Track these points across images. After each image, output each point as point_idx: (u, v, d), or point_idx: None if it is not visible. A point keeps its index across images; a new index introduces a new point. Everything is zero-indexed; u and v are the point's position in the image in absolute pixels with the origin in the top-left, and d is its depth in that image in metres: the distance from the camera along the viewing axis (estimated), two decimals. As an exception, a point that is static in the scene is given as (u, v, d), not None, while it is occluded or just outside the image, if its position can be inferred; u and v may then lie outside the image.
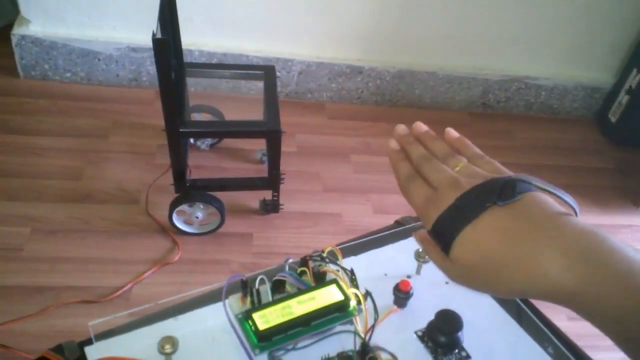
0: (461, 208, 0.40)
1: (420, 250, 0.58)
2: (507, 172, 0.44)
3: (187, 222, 1.39)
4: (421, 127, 0.51)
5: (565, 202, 0.40)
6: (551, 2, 1.79)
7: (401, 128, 0.50)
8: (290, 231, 1.46)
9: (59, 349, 0.49)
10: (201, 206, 1.36)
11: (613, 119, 1.95)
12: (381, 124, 1.86)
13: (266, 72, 1.46)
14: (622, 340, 0.35)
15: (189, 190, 1.34)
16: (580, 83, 1.98)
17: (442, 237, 0.41)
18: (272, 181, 1.39)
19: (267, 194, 1.45)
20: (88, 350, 0.49)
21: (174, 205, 1.34)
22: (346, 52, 1.82)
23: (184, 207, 1.35)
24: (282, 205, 1.46)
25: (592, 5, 1.81)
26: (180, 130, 1.24)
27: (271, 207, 1.46)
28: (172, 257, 1.34)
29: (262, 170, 1.58)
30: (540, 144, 1.93)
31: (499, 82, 1.94)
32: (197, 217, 1.38)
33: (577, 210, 0.40)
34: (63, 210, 1.40)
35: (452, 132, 0.50)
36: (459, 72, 1.90)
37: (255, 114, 1.58)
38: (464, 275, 0.41)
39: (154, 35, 1.08)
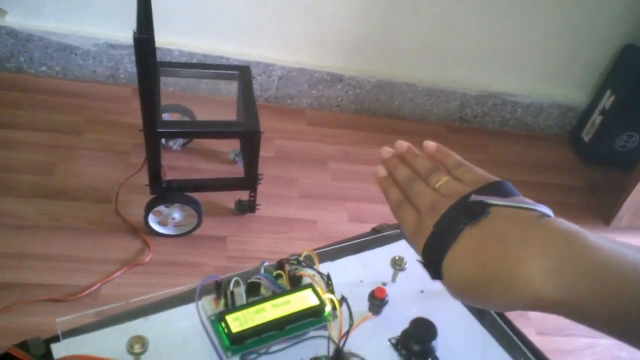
0: (439, 235, 0.42)
1: (397, 257, 0.58)
2: (488, 178, 0.44)
3: (162, 224, 1.37)
4: (402, 145, 0.51)
5: (531, 210, 0.40)
6: (530, 21, 1.82)
7: (386, 151, 0.51)
8: (265, 236, 1.45)
9: (24, 345, 0.48)
10: (179, 207, 1.34)
11: (586, 138, 1.99)
12: (360, 133, 1.86)
13: (241, 72, 1.46)
14: (618, 337, 0.35)
15: (165, 191, 1.32)
16: (556, 102, 2.01)
17: (429, 267, 0.42)
18: (250, 181, 1.38)
19: (243, 195, 1.44)
20: (54, 347, 0.48)
21: (150, 206, 1.32)
22: (328, 59, 1.83)
23: (161, 208, 1.33)
24: (259, 205, 1.46)
25: (569, 26, 1.85)
26: (158, 130, 1.23)
27: (247, 208, 1.45)
28: (143, 258, 1.32)
29: (235, 170, 1.58)
30: (514, 159, 1.95)
31: (477, 97, 1.96)
32: (173, 219, 1.36)
33: (550, 214, 0.41)
34: (33, 205, 1.37)
35: (429, 145, 0.51)
36: (437, 85, 1.92)
37: (227, 114, 1.58)
38: (459, 297, 0.42)
39: (135, 33, 1.06)
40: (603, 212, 1.81)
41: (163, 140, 1.56)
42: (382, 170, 0.50)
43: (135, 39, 1.06)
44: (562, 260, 0.36)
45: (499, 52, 1.89)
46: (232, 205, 1.47)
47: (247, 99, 1.38)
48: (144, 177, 1.36)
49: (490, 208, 0.41)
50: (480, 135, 2.02)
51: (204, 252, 1.37)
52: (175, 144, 1.58)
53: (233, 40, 1.75)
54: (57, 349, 0.48)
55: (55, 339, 0.49)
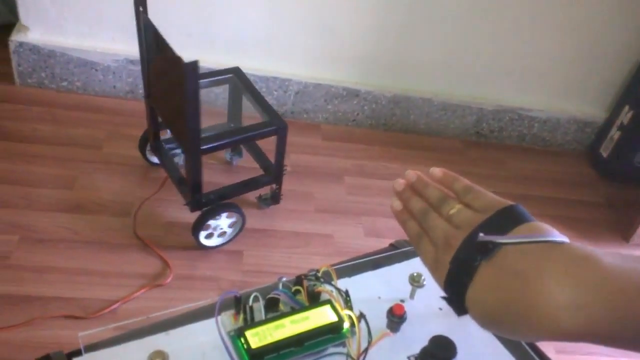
0: (456, 273, 0.42)
1: (415, 274, 0.58)
2: (499, 203, 0.44)
3: (208, 237, 1.39)
4: (412, 175, 0.52)
5: (547, 241, 0.40)
6: (547, 36, 1.82)
7: (398, 184, 0.52)
8: (281, 250, 1.45)
9: (47, 359, 0.49)
10: (225, 216, 1.37)
11: (604, 154, 1.97)
12: (375, 148, 1.87)
13: (235, 74, 1.49)
14: None
15: (205, 205, 1.34)
16: (573, 117, 2.00)
17: (452, 303, 0.43)
18: (277, 174, 1.44)
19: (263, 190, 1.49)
20: (76, 361, 0.48)
21: (199, 224, 1.34)
22: (343, 74, 1.84)
23: (210, 222, 1.36)
24: (282, 195, 1.51)
25: (587, 41, 1.84)
26: (202, 147, 1.25)
27: (271, 200, 1.51)
28: (164, 278, 1.32)
29: (232, 170, 1.62)
30: (531, 175, 1.94)
31: (493, 112, 1.96)
32: (221, 229, 1.39)
33: (563, 240, 0.41)
34: (53, 219, 1.39)
35: (436, 172, 0.51)
36: (454, 100, 1.92)
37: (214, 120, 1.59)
38: (486, 329, 0.42)
39: (180, 58, 1.08)
40: (622, 228, 1.79)
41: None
42: (397, 204, 0.51)
43: (186, 65, 1.07)
44: (578, 292, 0.36)
45: (516, 66, 1.89)
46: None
47: (256, 99, 1.43)
48: (161, 194, 1.38)
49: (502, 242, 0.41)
50: (497, 150, 2.01)
51: (221, 265, 1.38)
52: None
53: (250, 56, 1.77)
54: (79, 363, 0.48)
55: (78, 353, 0.49)
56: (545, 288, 0.37)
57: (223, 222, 1.38)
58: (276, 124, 1.37)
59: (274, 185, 1.49)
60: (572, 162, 2.04)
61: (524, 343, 0.53)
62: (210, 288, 1.32)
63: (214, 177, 1.56)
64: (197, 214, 1.35)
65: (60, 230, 1.37)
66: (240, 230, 1.43)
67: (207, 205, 1.35)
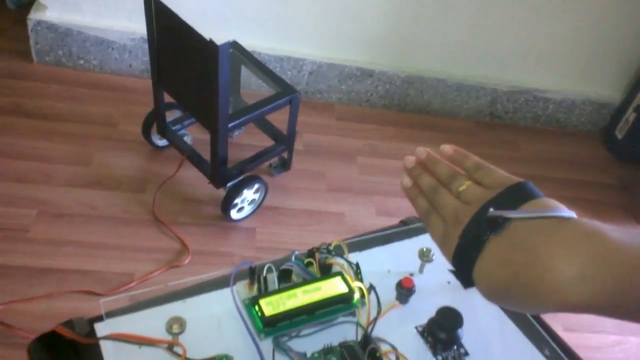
0: (464, 247, 0.43)
1: (424, 249, 0.59)
2: (508, 180, 0.45)
3: (239, 211, 1.44)
4: (422, 152, 0.52)
5: (556, 217, 0.41)
6: (563, 17, 1.80)
7: (408, 161, 0.52)
8: (293, 228, 1.47)
9: (69, 325, 0.51)
10: (247, 189, 1.40)
11: (619, 136, 1.96)
12: (389, 128, 1.87)
13: (233, 47, 1.51)
14: None
15: (229, 180, 1.38)
16: (588, 98, 1.99)
17: (460, 276, 0.44)
18: (290, 141, 1.50)
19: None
20: (98, 326, 0.50)
21: (230, 200, 1.38)
22: (357, 54, 1.84)
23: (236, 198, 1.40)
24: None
25: (603, 22, 1.82)
26: (230, 125, 1.28)
27: (282, 168, 1.56)
28: (181, 259, 1.34)
29: (231, 144, 1.59)
30: (545, 156, 1.94)
31: (508, 93, 1.95)
32: (246, 201, 1.43)
33: (571, 216, 0.41)
34: (70, 194, 1.42)
35: (446, 149, 0.52)
36: (468, 80, 1.91)
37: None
38: (492, 302, 0.43)
39: (212, 41, 1.09)
40: (635, 210, 1.79)
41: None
42: (407, 180, 0.51)
43: (221, 48, 1.10)
44: (586, 265, 0.36)
45: (532, 47, 1.88)
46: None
47: (262, 70, 1.48)
48: (172, 171, 1.41)
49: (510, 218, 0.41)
50: (511, 131, 2.01)
51: (234, 242, 1.40)
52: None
53: (263, 35, 1.78)
54: (100, 328, 0.50)
55: (99, 318, 0.51)
56: (554, 261, 0.38)
57: (248, 194, 1.42)
58: (289, 93, 1.42)
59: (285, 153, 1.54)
60: (586, 144, 2.03)
61: (529, 315, 0.55)
62: (224, 263, 1.35)
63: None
64: (208, 190, 1.40)
65: (77, 205, 1.40)
66: (264, 197, 1.47)
67: (230, 181, 1.39)
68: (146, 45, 1.74)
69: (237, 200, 1.40)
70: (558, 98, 1.98)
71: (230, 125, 1.29)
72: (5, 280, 1.22)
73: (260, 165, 1.50)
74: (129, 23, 1.72)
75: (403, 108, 1.96)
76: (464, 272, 0.43)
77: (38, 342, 0.51)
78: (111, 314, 0.52)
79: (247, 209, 1.46)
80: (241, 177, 1.40)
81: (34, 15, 1.69)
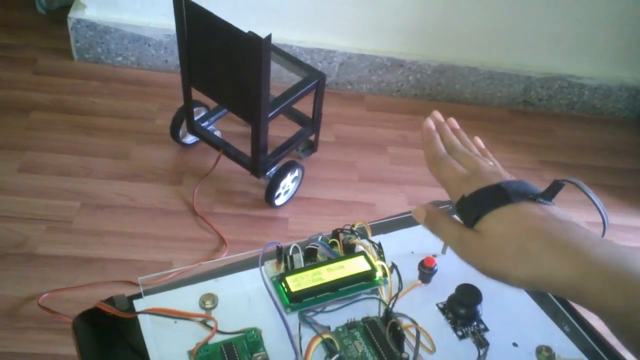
0: (505, 190, 0.44)
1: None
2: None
3: (279, 197, 1.49)
4: (454, 123, 0.55)
5: (601, 214, 0.43)
6: (598, 1, 1.77)
7: (438, 114, 0.55)
8: (324, 218, 1.50)
9: (110, 301, 0.55)
10: (288, 175, 1.45)
11: (657, 121, 1.92)
12: (420, 118, 1.87)
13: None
14: (619, 333, 0.38)
15: (267, 168, 1.44)
16: (625, 84, 1.95)
17: (478, 206, 0.44)
18: (316, 123, 1.53)
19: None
20: (136, 302, 0.54)
21: (273, 188, 1.43)
22: (388, 44, 1.85)
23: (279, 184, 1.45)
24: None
25: (638, 4, 1.78)
26: (270, 115, 1.33)
27: (310, 150, 1.61)
28: (220, 251, 1.38)
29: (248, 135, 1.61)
30: (580, 143, 1.91)
31: (542, 79, 1.93)
32: (283, 187, 1.47)
33: (607, 225, 0.44)
34: (111, 186, 1.48)
35: (479, 142, 0.54)
36: (501, 68, 1.90)
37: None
38: (484, 249, 0.43)
39: (253, 34, 1.13)
40: (674, 197, 1.75)
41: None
42: (431, 123, 0.53)
43: (264, 41, 1.14)
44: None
45: (565, 33, 1.85)
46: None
47: (286, 57, 1.52)
48: (206, 164, 1.46)
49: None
50: (545, 119, 1.98)
51: (266, 232, 1.44)
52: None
53: (294, 28, 1.80)
54: (139, 304, 0.54)
55: (138, 296, 0.55)
56: (579, 242, 0.40)
57: (287, 180, 1.46)
58: (316, 77, 1.45)
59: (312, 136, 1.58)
60: (623, 131, 1.99)
61: (550, 295, 0.56)
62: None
63: (242, 145, 1.57)
64: (240, 181, 1.47)
65: (117, 197, 1.46)
66: (301, 182, 1.53)
67: (268, 169, 1.44)
68: (180, 41, 1.79)
69: (280, 185, 1.44)
70: (593, 84, 1.94)
71: (270, 114, 1.33)
72: (50, 269, 1.28)
73: (293, 150, 1.53)
74: (164, 19, 1.77)
75: (434, 97, 1.96)
76: (484, 207, 0.43)
77: (81, 318, 0.54)
78: (149, 292, 0.55)
79: (284, 197, 1.50)
80: (280, 165, 1.45)
81: (73, 14, 1.75)
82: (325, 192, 1.55)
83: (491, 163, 0.49)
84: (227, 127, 1.63)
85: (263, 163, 1.41)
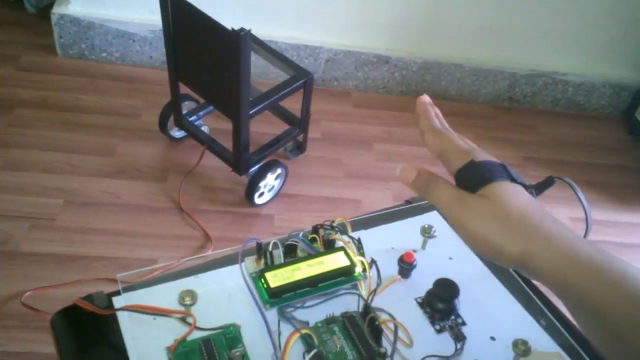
0: (507, 170, 0.45)
1: (427, 226, 0.61)
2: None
3: (261, 196, 1.48)
4: (440, 115, 0.54)
5: (586, 218, 0.46)
6: (582, -2, 1.79)
7: (427, 97, 0.53)
8: (310, 214, 1.50)
9: (89, 298, 0.54)
10: (269, 174, 1.44)
11: (640, 118, 1.94)
12: (406, 114, 1.88)
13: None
14: (595, 332, 0.39)
15: (251, 166, 1.43)
16: (609, 80, 1.97)
17: (488, 172, 0.44)
18: (305, 123, 1.53)
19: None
20: (116, 299, 0.54)
21: (253, 186, 1.43)
22: (373, 41, 1.85)
23: (260, 182, 1.44)
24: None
25: (622, 2, 1.80)
26: (250, 112, 1.32)
27: (298, 150, 1.60)
28: (208, 247, 1.38)
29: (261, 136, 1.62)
30: (565, 140, 1.93)
31: (526, 76, 1.94)
32: (265, 186, 1.46)
33: (589, 228, 0.46)
34: (96, 184, 1.47)
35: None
36: (486, 65, 1.91)
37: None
38: (486, 213, 0.42)
39: (242, 30, 1.13)
40: (656, 193, 1.77)
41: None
42: (427, 98, 0.52)
43: (242, 36, 1.13)
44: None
45: (550, 30, 1.86)
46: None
47: (274, 54, 1.50)
48: (191, 160, 1.45)
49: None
50: (530, 115, 2.00)
51: (252, 229, 1.44)
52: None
53: (280, 24, 1.80)
54: (118, 301, 0.54)
55: (117, 293, 0.55)
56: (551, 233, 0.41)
57: (270, 179, 1.46)
58: (304, 76, 1.44)
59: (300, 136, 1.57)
60: (607, 127, 2.01)
61: (525, 286, 0.57)
62: (242, 248, 1.38)
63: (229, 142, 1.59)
64: (226, 178, 1.47)
65: (102, 195, 1.45)
66: (285, 181, 1.52)
67: (251, 167, 1.43)
68: (165, 38, 1.78)
69: (261, 185, 1.44)
70: (577, 81, 1.96)
71: (251, 112, 1.33)
72: (34, 267, 1.28)
73: (278, 149, 1.53)
74: (149, 15, 1.76)
75: (420, 94, 1.96)
76: (490, 176, 0.44)
77: (60, 316, 0.54)
78: (128, 289, 0.55)
79: (268, 195, 1.49)
80: (262, 163, 1.44)
81: (57, 10, 1.74)
82: (311, 188, 1.56)
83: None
84: (217, 123, 1.63)
85: (245, 160, 1.41)
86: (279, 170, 1.47)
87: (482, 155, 0.46)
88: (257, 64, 1.69)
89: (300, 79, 1.44)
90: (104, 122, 1.64)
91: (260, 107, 1.36)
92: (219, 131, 1.59)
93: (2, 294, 1.21)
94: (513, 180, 0.44)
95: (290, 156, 1.61)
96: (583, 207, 0.45)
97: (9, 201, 1.39)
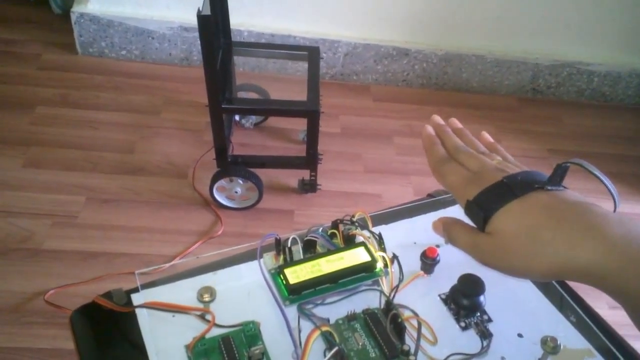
0: (509, 185, 0.43)
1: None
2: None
3: (229, 197, 1.44)
4: (457, 123, 0.55)
5: (610, 192, 0.42)
6: (607, -15, 1.74)
7: (437, 118, 0.54)
8: (330, 210, 1.49)
9: (108, 295, 0.54)
10: (240, 181, 1.41)
11: (668, 108, 1.89)
12: (426, 108, 1.86)
13: (310, 52, 1.49)
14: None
15: (229, 166, 1.39)
16: (635, 70, 1.92)
17: (484, 208, 0.43)
18: (310, 161, 1.42)
19: (306, 174, 1.48)
20: (134, 296, 0.53)
21: (214, 179, 1.40)
22: (393, 34, 1.83)
23: (224, 182, 1.40)
24: (320, 185, 1.50)
25: (650, -11, 1.75)
26: (223, 106, 1.29)
27: (309, 187, 1.50)
28: (216, 230, 1.39)
29: (303, 150, 1.61)
30: (590, 131, 1.89)
31: (550, 67, 1.90)
32: (236, 192, 1.43)
33: (617, 202, 0.42)
34: (116, 181, 1.48)
35: (486, 136, 0.53)
36: (508, 55, 1.88)
37: (300, 94, 1.61)
38: (499, 250, 0.42)
39: (199, 12, 1.12)
40: (686, 184, 1.72)
41: (237, 118, 1.63)
42: (430, 129, 0.53)
43: (199, 17, 1.11)
44: (629, 237, 0.37)
45: (573, 18, 1.82)
46: (296, 184, 1.52)
47: (311, 79, 1.42)
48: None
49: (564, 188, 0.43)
50: (554, 106, 1.96)
51: (272, 224, 1.43)
52: (248, 122, 1.64)
53: (299, 19, 1.79)
54: (137, 298, 0.53)
55: (135, 290, 0.54)
56: (600, 224, 0.38)
57: (240, 187, 1.42)
58: (306, 107, 1.34)
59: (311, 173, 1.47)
60: (633, 117, 1.96)
61: (555, 283, 0.55)
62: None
63: (279, 152, 1.60)
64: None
65: (123, 191, 1.46)
66: (256, 202, 1.44)
67: (230, 165, 1.39)
68: (184, 34, 1.79)
69: (226, 186, 1.41)
70: (603, 70, 1.91)
71: (224, 106, 1.29)
72: (57, 264, 1.28)
73: (272, 168, 1.47)
74: (167, 12, 1.76)
75: (441, 87, 1.94)
76: (491, 207, 0.43)
77: (79, 313, 0.54)
78: (147, 285, 0.55)
79: (231, 203, 1.44)
80: (235, 167, 1.39)
81: (77, 9, 1.75)
82: (331, 184, 1.54)
83: (499, 158, 0.49)
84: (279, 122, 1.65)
85: (219, 154, 1.36)
86: (245, 182, 1.40)
87: (484, 177, 0.45)
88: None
89: (300, 106, 1.36)
90: (124, 120, 1.64)
91: (236, 107, 1.35)
92: (269, 130, 1.63)
93: (25, 291, 1.22)
94: (524, 188, 0.42)
95: (299, 190, 1.51)
96: (603, 183, 0.41)
97: (30, 199, 1.40)
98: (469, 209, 0.45)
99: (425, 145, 0.52)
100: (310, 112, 1.34)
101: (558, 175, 0.43)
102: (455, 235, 0.46)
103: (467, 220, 0.46)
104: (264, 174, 1.45)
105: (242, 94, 1.62)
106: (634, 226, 0.38)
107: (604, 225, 0.38)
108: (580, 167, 0.42)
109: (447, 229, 0.48)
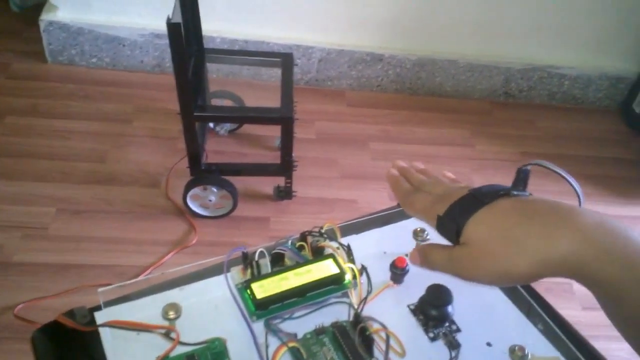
0: (476, 196, 0.44)
1: (419, 229, 0.60)
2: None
3: (203, 206, 1.42)
4: (419, 165, 0.58)
5: (574, 188, 0.42)
6: (575, -10, 1.77)
7: (400, 162, 0.59)
8: (306, 216, 1.48)
9: (70, 314, 0.53)
10: (214, 189, 1.39)
11: (638, 110, 1.92)
12: (401, 112, 1.86)
13: (284, 59, 1.49)
14: (617, 316, 0.38)
15: (202, 174, 1.37)
16: (605, 73, 1.95)
17: (455, 219, 0.43)
18: (285, 168, 1.41)
19: (282, 181, 1.47)
20: (97, 315, 0.52)
21: (187, 187, 1.38)
22: (367, 39, 1.83)
23: (197, 190, 1.39)
24: (295, 192, 1.49)
25: (617, -7, 1.78)
26: (195, 114, 1.28)
27: (285, 194, 1.49)
28: (190, 239, 1.37)
29: (279, 157, 1.60)
30: (562, 134, 1.91)
31: (522, 70, 1.92)
32: (210, 201, 1.41)
33: (582, 199, 0.43)
34: (88, 191, 1.45)
35: (449, 174, 0.55)
36: (480, 60, 1.89)
37: (274, 101, 1.61)
38: (476, 258, 0.42)
39: (168, 19, 1.11)
40: (656, 185, 1.75)
41: (211, 125, 1.62)
42: (394, 170, 0.57)
43: (169, 24, 1.10)
44: (601, 229, 0.38)
45: (544, 23, 1.84)
46: (272, 191, 1.51)
47: (285, 86, 1.41)
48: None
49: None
50: (526, 110, 1.98)
51: (247, 232, 1.42)
52: (222, 129, 1.63)
53: (273, 25, 1.78)
54: (100, 317, 0.52)
55: (98, 307, 0.53)
56: (572, 218, 0.39)
57: (214, 196, 1.40)
58: (280, 113, 1.33)
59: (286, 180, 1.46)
60: (604, 120, 1.99)
61: (521, 289, 0.55)
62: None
63: (254, 159, 1.59)
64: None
65: (95, 202, 1.43)
66: (230, 210, 1.43)
67: (203, 174, 1.38)
68: (156, 40, 1.77)
69: (200, 194, 1.39)
70: (573, 74, 1.94)
71: (196, 114, 1.28)
72: (28, 277, 1.26)
73: (246, 175, 1.45)
74: (139, 19, 1.74)
75: (415, 91, 1.95)
76: (462, 218, 0.43)
77: (40, 332, 0.52)
78: (111, 303, 0.53)
79: (206, 211, 1.43)
80: (207, 176, 1.37)
81: (45, 16, 1.72)
82: (307, 190, 1.54)
83: (464, 184, 0.49)
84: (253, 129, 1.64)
85: (191, 162, 1.34)
86: (220, 190, 1.39)
87: (451, 196, 0.46)
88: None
89: (274, 113, 1.35)
90: (95, 129, 1.62)
91: (208, 115, 1.33)
92: (243, 137, 1.63)
93: (-6, 306, 1.19)
94: (490, 196, 0.43)
95: (274, 197, 1.50)
96: (567, 180, 0.42)
97: (0, 211, 1.37)
98: (440, 224, 0.45)
99: (390, 183, 0.55)
100: (284, 118, 1.33)
101: (521, 180, 0.44)
102: (431, 258, 0.47)
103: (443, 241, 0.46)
104: (239, 181, 1.44)
105: (215, 101, 1.60)
106: (606, 217, 0.38)
107: (576, 215, 0.38)
108: (541, 167, 0.43)
109: (422, 253, 0.48)
